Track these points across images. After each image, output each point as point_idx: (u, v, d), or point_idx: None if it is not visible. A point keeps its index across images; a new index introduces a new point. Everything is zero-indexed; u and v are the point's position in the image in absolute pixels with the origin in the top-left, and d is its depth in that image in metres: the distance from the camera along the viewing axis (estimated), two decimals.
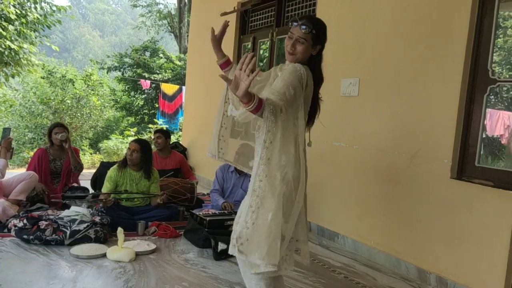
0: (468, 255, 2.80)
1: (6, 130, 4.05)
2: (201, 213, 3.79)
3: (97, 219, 3.39)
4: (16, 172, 4.74)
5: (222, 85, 2.12)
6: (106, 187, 3.88)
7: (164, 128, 7.26)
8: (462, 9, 2.90)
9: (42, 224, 3.20)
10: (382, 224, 3.44)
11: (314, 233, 4.10)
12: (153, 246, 3.24)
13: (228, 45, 5.93)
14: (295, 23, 2.08)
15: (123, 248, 3.02)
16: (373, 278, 3.08)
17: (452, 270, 2.89)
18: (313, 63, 2.15)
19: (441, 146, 3.01)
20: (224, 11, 5.78)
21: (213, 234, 3.33)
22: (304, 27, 2.04)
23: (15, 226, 3.23)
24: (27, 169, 4.35)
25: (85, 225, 3.26)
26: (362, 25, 3.73)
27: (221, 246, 3.15)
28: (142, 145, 3.98)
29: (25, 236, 3.14)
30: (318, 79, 2.16)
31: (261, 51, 5.49)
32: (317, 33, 2.08)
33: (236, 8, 5.70)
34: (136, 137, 7.27)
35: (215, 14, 5.93)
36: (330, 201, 3.98)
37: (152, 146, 4.78)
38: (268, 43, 5.22)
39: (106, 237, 3.32)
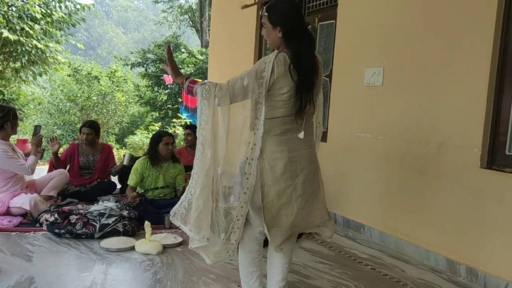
0: (500, 245, 2.72)
1: (37, 128, 4.13)
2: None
3: (125, 213, 3.46)
4: (46, 168, 4.88)
5: None
6: (132, 180, 3.95)
7: (191, 124, 7.32)
8: None
9: (73, 218, 3.29)
10: (410, 215, 3.39)
11: (340, 224, 4.08)
12: (179, 239, 3.28)
13: (249, 38, 5.91)
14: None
15: (151, 241, 3.08)
16: (401, 269, 3.05)
17: (482, 261, 2.82)
18: (287, 46, 2.00)
19: (470, 135, 2.93)
20: (245, 4, 5.76)
21: None
22: (263, 12, 2.05)
23: (46, 220, 3.33)
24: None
25: (113, 219, 3.34)
26: (386, 13, 3.65)
27: None
28: (173, 137, 4.14)
29: (56, 230, 3.24)
30: (300, 65, 1.96)
31: None
32: (269, 14, 2.02)
33: (256, 0, 5.67)
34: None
35: (236, 8, 5.92)
36: (355, 193, 3.95)
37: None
38: None
39: (134, 231, 3.39)
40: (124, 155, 4.46)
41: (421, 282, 2.84)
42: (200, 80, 2.18)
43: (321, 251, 3.32)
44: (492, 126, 2.84)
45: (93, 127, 4.61)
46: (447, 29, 3.11)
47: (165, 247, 3.12)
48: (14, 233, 3.28)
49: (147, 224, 3.10)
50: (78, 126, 4.76)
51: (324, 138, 4.40)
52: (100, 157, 4.65)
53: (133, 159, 4.19)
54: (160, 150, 3.97)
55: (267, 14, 2.03)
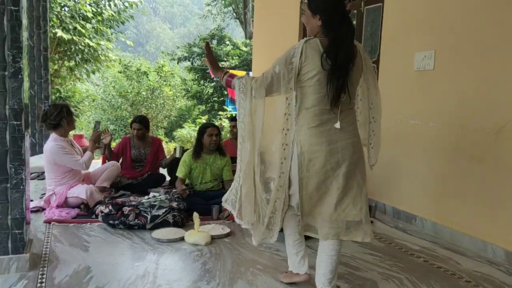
0: None
1: (96, 124, 4.28)
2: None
3: (174, 204, 3.54)
4: (101, 161, 5.08)
5: None
6: (181, 171, 4.03)
7: (234, 115, 7.37)
8: None
9: (126, 210, 3.41)
10: (465, 205, 3.23)
11: (390, 215, 3.96)
12: (227, 230, 3.32)
13: (293, 28, 5.84)
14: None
15: (199, 232, 3.13)
16: (456, 262, 2.91)
17: None
18: (325, 34, 1.99)
19: None
20: None
21: None
22: None
23: (101, 212, 3.47)
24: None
25: (163, 210, 3.43)
26: None
27: None
28: (218, 129, 4.14)
29: (111, 222, 3.37)
30: (335, 54, 1.93)
31: None
32: (309, 1, 2.03)
33: None
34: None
35: None
36: (406, 182, 3.81)
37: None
38: None
39: (183, 222, 3.46)
40: (175, 148, 4.53)
41: (477, 275, 2.70)
42: (243, 73, 2.25)
43: (370, 243, 3.23)
44: None
45: (142, 122, 4.74)
46: (504, 5, 2.90)
47: (213, 238, 3.17)
48: (71, 224, 3.45)
49: (195, 216, 3.15)
50: (129, 120, 4.92)
51: None
52: (150, 150, 4.80)
53: (184, 151, 4.27)
54: (205, 141, 4.01)
55: (307, 1, 2.03)
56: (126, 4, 11.31)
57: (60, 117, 3.82)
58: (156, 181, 4.70)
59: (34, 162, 5.36)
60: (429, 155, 3.55)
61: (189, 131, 13.40)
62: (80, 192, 3.75)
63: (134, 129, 4.70)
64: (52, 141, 3.82)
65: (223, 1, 21.76)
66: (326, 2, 1.98)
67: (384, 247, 3.16)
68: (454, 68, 3.31)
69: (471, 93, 3.16)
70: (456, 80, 3.29)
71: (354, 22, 4.68)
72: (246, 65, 15.27)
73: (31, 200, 3.74)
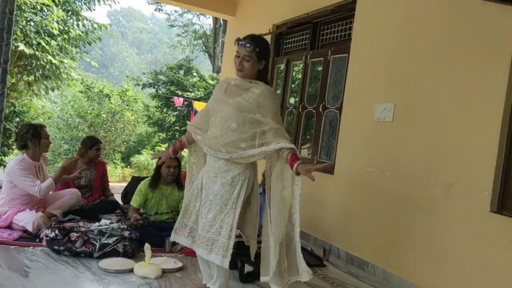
0: None
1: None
2: None
3: (126, 233, 3.42)
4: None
5: None
6: (135, 201, 3.92)
7: None
8: (506, 27, 2.82)
9: (73, 235, 3.25)
10: (414, 255, 3.32)
11: (343, 260, 4.00)
12: (179, 264, 3.22)
13: None
14: (240, 42, 2.41)
15: (150, 264, 3.02)
16: None
17: None
18: (262, 76, 2.53)
19: (480, 178, 2.89)
20: (260, 33, 5.84)
21: (239, 256, 3.28)
22: (248, 45, 2.39)
23: (47, 236, 3.29)
24: None
25: (114, 239, 3.29)
26: (398, 48, 3.69)
27: (247, 268, 3.10)
28: (178, 160, 4.04)
29: (55, 247, 3.19)
30: None
31: (294, 73, 5.51)
32: (260, 50, 2.43)
33: (271, 30, 5.76)
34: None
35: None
36: (360, 228, 3.88)
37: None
38: (302, 65, 5.23)
39: (134, 252, 3.34)
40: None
41: None
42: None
43: (323, 287, 3.24)
44: (504, 170, 2.81)
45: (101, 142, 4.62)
46: (459, 67, 3.12)
47: (164, 272, 3.06)
48: (13, 246, 3.25)
49: (147, 247, 3.05)
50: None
51: (331, 170, 4.37)
52: (95, 173, 4.58)
53: (137, 180, 4.12)
54: (162, 172, 3.94)
55: (258, 50, 2.41)
56: (95, 25, 11.21)
57: (25, 138, 3.65)
58: (109, 208, 4.52)
59: None
60: (382, 203, 3.66)
61: (147, 158, 13.14)
62: (26, 222, 3.50)
63: (98, 149, 4.52)
64: (15, 160, 3.65)
65: (193, 34, 22.05)
66: (268, 50, 2.54)
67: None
68: (411, 121, 3.48)
69: (425, 146, 3.32)
70: (412, 133, 3.45)
71: (320, 69, 4.87)
72: None
73: None
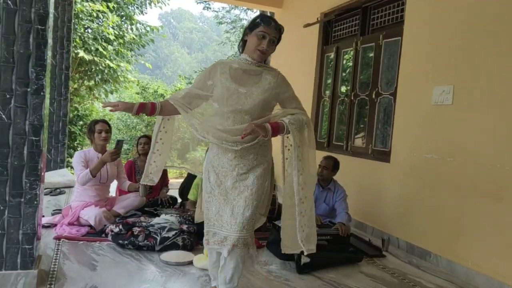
0: None
1: (119, 142, 3.96)
2: None
3: (185, 227, 3.52)
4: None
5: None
6: (193, 194, 4.01)
7: None
8: None
9: (136, 230, 3.39)
10: (482, 244, 3.14)
11: (403, 250, 3.87)
12: None
13: (311, 57, 5.89)
14: (271, 22, 2.18)
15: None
16: None
17: None
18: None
19: None
20: (307, 23, 5.76)
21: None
22: (279, 27, 2.21)
23: (111, 231, 3.46)
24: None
25: (173, 232, 3.40)
26: (456, 28, 3.49)
27: (304, 259, 3.07)
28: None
29: (120, 241, 3.35)
30: None
31: (344, 61, 5.38)
32: (282, 32, 2.27)
33: (319, 19, 5.66)
34: None
35: (298, 26, 5.94)
36: (421, 217, 3.73)
37: None
38: (352, 52, 5.10)
39: (192, 245, 3.42)
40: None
41: None
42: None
43: (383, 277, 3.16)
44: None
45: (149, 137, 4.74)
46: None
47: None
48: (81, 242, 3.44)
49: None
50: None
51: (387, 158, 4.23)
52: None
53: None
54: None
55: (282, 31, 2.26)
56: (148, 28, 11.59)
57: (88, 133, 4.03)
58: (167, 203, 4.67)
59: (48, 178, 5.40)
60: (445, 191, 3.49)
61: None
62: (89, 216, 3.70)
63: (142, 144, 4.68)
64: (80, 151, 3.97)
65: (241, 29, 22.15)
66: None
67: (398, 283, 3.08)
68: (473, 103, 3.28)
69: (490, 129, 3.12)
70: (474, 116, 3.26)
71: (372, 55, 4.72)
72: None
73: (43, 216, 3.74)
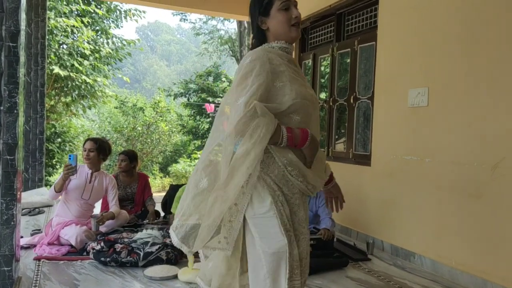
0: None
1: (71, 157, 3.69)
2: None
3: (168, 240, 3.47)
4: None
5: None
6: (175, 207, 3.96)
7: None
8: None
9: (118, 247, 3.33)
10: (464, 243, 3.18)
11: (388, 252, 3.89)
12: None
13: None
14: None
15: (194, 269, 3.05)
16: None
17: None
18: None
19: None
20: None
21: None
22: None
23: (93, 249, 3.39)
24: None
25: (157, 247, 3.35)
26: (429, 31, 3.56)
27: None
28: None
29: (102, 259, 3.28)
30: None
31: (322, 67, 5.43)
32: None
33: None
34: None
35: None
36: (403, 219, 3.77)
37: None
38: (329, 58, 5.16)
39: (177, 259, 3.38)
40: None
41: None
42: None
43: (369, 281, 3.17)
44: None
45: (127, 153, 4.69)
46: (496, 41, 2.97)
47: None
48: (62, 262, 3.36)
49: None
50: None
51: (368, 162, 4.27)
52: (137, 187, 4.70)
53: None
54: None
55: None
56: (124, 42, 11.53)
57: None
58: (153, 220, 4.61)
59: (26, 197, 5.28)
60: (425, 191, 3.53)
61: (184, 166, 13.35)
62: (70, 236, 3.61)
63: (119, 160, 4.65)
64: None
65: (219, 40, 22.23)
66: None
67: (383, 286, 3.09)
68: (448, 104, 3.35)
69: (465, 129, 3.19)
70: (450, 116, 3.32)
71: (348, 60, 4.78)
72: None
73: (21, 237, 3.65)
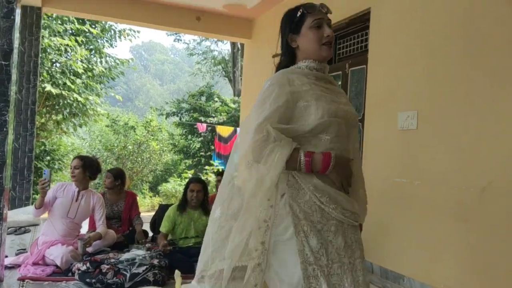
0: None
1: (46, 172, 3.72)
2: None
3: (156, 261, 3.42)
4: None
5: None
6: (164, 226, 3.93)
7: (223, 170, 7.34)
8: None
9: (104, 267, 3.27)
10: (454, 267, 3.17)
11: (377, 275, 3.87)
12: None
13: None
14: (312, 7, 1.67)
15: None
16: None
17: None
18: None
19: None
20: (276, 53, 5.88)
21: None
22: (325, 6, 1.70)
23: (78, 269, 3.33)
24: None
25: (144, 268, 3.30)
26: (418, 56, 3.63)
27: None
28: (203, 184, 4.09)
29: (87, 280, 3.22)
30: None
31: None
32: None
33: None
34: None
35: (267, 56, 6.05)
36: (393, 241, 3.76)
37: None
38: None
39: (164, 280, 3.33)
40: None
41: None
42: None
43: None
44: None
45: (113, 172, 4.67)
46: (485, 68, 3.03)
47: None
48: (46, 282, 3.29)
49: (177, 274, 3.02)
50: None
51: None
52: (124, 205, 4.64)
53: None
54: (187, 196, 3.99)
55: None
56: (118, 61, 11.58)
57: None
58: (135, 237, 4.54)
59: (12, 216, 5.19)
60: (415, 214, 3.54)
61: (174, 186, 13.27)
62: (56, 256, 3.56)
63: (105, 178, 4.63)
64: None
65: (212, 60, 22.43)
66: None
67: None
68: (437, 127, 3.39)
69: (453, 152, 3.22)
70: (439, 139, 3.36)
71: (339, 83, 4.84)
72: (234, 121, 15.46)
73: (6, 256, 3.57)
